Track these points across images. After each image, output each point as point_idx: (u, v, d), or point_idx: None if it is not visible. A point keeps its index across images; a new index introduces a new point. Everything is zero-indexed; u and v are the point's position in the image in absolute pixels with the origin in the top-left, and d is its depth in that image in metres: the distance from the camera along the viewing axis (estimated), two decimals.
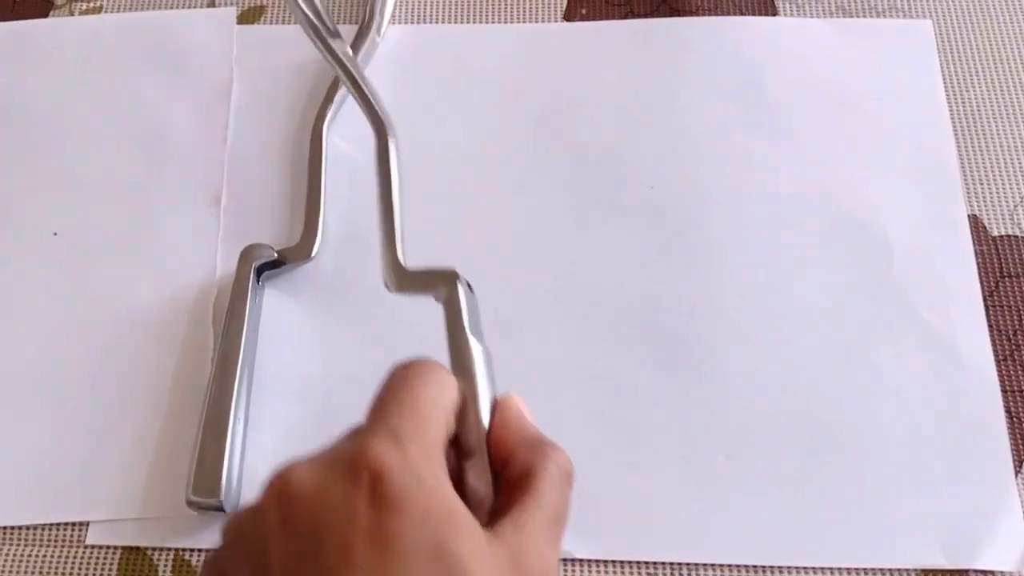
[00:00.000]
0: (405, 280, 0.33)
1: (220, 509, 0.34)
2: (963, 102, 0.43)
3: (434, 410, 0.27)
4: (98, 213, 0.42)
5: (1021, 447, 0.36)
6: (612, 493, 0.36)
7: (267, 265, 0.39)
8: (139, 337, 0.39)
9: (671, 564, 0.35)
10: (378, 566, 0.24)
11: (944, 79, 0.44)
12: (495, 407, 0.29)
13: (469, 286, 0.31)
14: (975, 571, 0.34)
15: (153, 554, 0.36)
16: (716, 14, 0.46)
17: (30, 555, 0.36)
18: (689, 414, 0.37)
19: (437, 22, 0.46)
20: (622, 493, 0.36)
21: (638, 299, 0.39)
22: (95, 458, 0.37)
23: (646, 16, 0.46)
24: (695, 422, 0.37)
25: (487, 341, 0.30)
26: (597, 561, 0.35)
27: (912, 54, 0.44)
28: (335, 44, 0.41)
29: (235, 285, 0.38)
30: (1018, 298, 0.39)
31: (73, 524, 0.36)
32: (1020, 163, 0.42)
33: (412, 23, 0.46)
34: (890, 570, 0.34)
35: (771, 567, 0.35)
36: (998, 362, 0.38)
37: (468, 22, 0.46)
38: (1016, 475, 0.36)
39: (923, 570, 0.34)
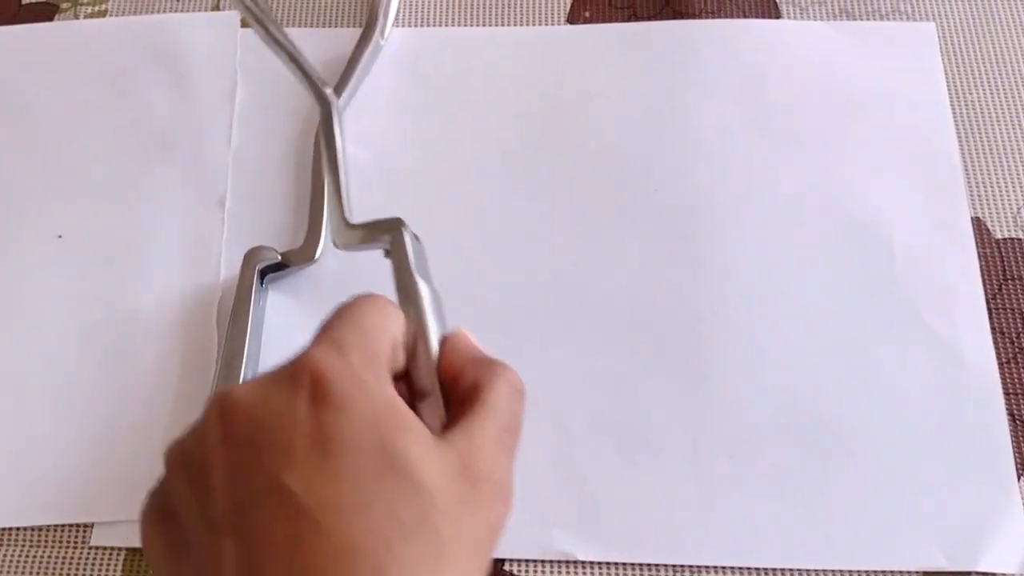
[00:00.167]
0: (352, 234, 0.34)
1: None
2: (966, 105, 0.43)
3: (378, 331, 0.27)
4: (102, 216, 0.42)
5: (1023, 449, 0.36)
6: (614, 495, 0.36)
7: (271, 267, 0.39)
8: (143, 339, 0.39)
9: (673, 566, 0.35)
10: (321, 465, 0.24)
11: (947, 82, 0.44)
12: (444, 341, 0.29)
13: (416, 236, 0.32)
14: (976, 573, 0.34)
15: None
16: (719, 17, 0.46)
17: (34, 556, 0.36)
18: (692, 416, 0.37)
19: (440, 25, 0.46)
20: (624, 495, 0.36)
21: (641, 301, 0.39)
22: (99, 460, 0.37)
23: (649, 19, 0.46)
24: (698, 424, 0.37)
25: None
26: (599, 563, 0.35)
27: (915, 57, 0.44)
28: (269, 25, 0.42)
29: (239, 287, 0.38)
30: (1021, 301, 0.39)
31: (77, 526, 0.36)
32: (1023, 166, 0.42)
33: (416, 26, 0.46)
34: (892, 572, 0.34)
35: (773, 569, 0.35)
36: (1000, 364, 0.38)
37: (471, 24, 0.46)
38: (1018, 477, 0.36)
39: (924, 572, 0.34)
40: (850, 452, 0.36)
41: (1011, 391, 0.37)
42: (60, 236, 0.42)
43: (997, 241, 0.40)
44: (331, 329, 0.27)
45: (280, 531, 0.23)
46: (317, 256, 0.40)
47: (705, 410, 0.37)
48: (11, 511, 0.37)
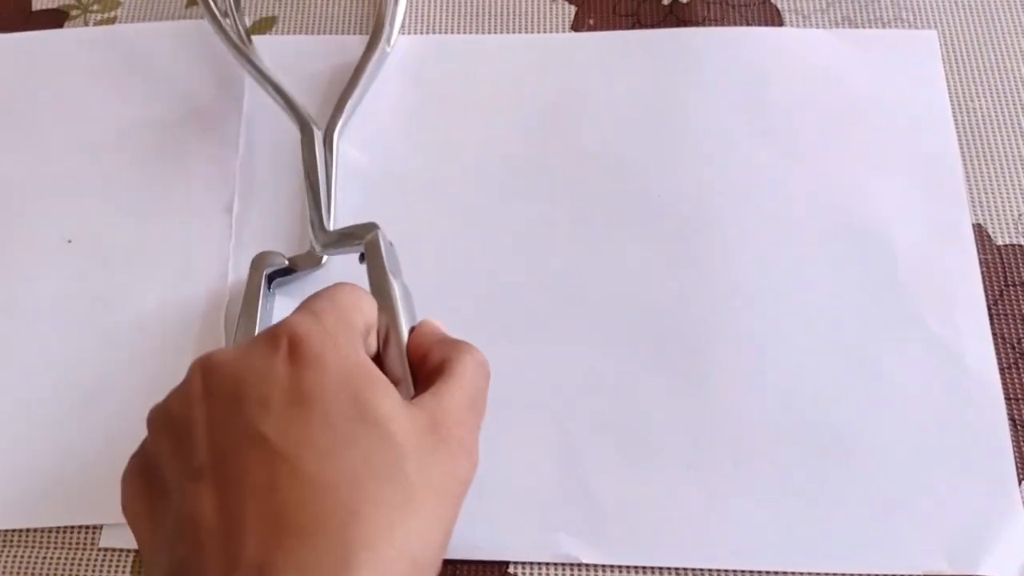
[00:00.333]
0: (330, 238, 0.38)
1: None
2: (968, 112, 0.43)
3: (353, 308, 0.29)
4: (112, 221, 0.42)
5: None
6: (619, 499, 0.36)
7: (278, 272, 0.39)
8: (152, 343, 0.39)
9: (676, 569, 0.35)
10: (297, 415, 0.25)
11: (949, 89, 0.44)
12: (413, 328, 0.32)
13: (389, 241, 0.35)
14: None
15: None
16: (722, 24, 0.46)
17: (43, 558, 0.36)
18: (694, 419, 0.37)
19: (446, 32, 0.47)
20: (628, 499, 0.36)
21: (644, 305, 0.40)
22: (108, 462, 0.37)
23: (653, 26, 0.46)
24: (700, 427, 0.37)
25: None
26: (604, 566, 0.35)
27: (917, 64, 0.45)
28: (249, 52, 0.44)
29: (246, 292, 0.39)
30: (1022, 306, 0.39)
31: (86, 527, 0.37)
32: None
33: (422, 33, 0.47)
34: None
35: (776, 572, 0.35)
36: (1002, 370, 0.38)
37: (477, 32, 0.47)
38: (1019, 482, 0.36)
39: None
40: (852, 456, 0.36)
41: (1012, 396, 0.37)
42: (69, 241, 0.42)
43: (998, 247, 0.41)
44: (309, 302, 0.29)
45: (258, 475, 0.25)
46: (324, 261, 0.40)
47: (707, 413, 0.37)
48: (21, 513, 0.37)
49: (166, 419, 0.27)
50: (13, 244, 0.42)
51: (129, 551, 0.36)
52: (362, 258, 0.35)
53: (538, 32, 0.47)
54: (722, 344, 0.39)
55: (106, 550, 0.36)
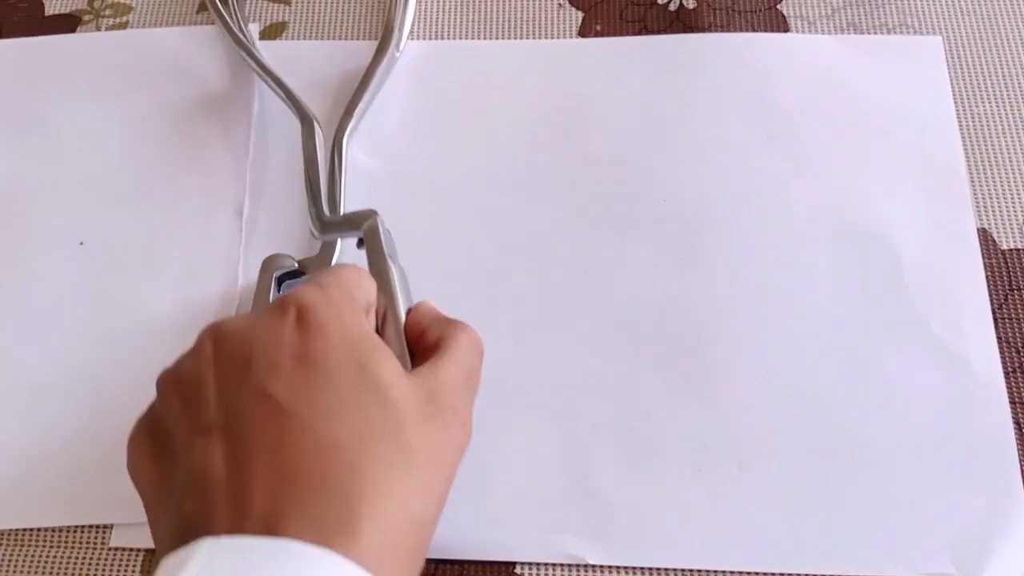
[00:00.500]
0: (329, 225, 0.39)
1: None
2: (973, 117, 0.44)
3: (355, 284, 0.31)
4: (123, 224, 0.43)
5: None
6: (624, 500, 0.36)
7: (288, 275, 0.40)
8: (163, 344, 0.39)
9: (681, 570, 0.35)
10: (304, 377, 0.27)
11: (954, 94, 0.44)
12: (411, 308, 0.33)
13: (387, 229, 0.37)
14: None
15: None
16: (728, 30, 0.46)
17: (54, 557, 0.37)
18: (700, 422, 0.37)
19: (454, 38, 0.47)
20: (634, 500, 0.36)
21: (650, 309, 0.40)
22: (118, 462, 0.37)
23: (659, 32, 0.47)
24: (706, 430, 0.37)
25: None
26: (609, 567, 0.35)
27: (922, 70, 0.45)
28: (253, 50, 0.45)
29: (256, 294, 0.39)
30: None
31: (96, 527, 0.37)
32: None
33: (431, 38, 0.47)
34: None
35: (780, 574, 0.35)
36: (1007, 374, 0.38)
37: (485, 38, 0.47)
38: None
39: None
40: (857, 459, 0.37)
41: (1017, 400, 0.38)
42: (81, 243, 0.42)
43: (1003, 252, 0.41)
44: (314, 277, 0.31)
45: (267, 432, 0.26)
46: (333, 263, 0.40)
47: (713, 416, 0.38)
48: (32, 512, 0.37)
49: (177, 380, 0.28)
50: (25, 246, 0.42)
51: (139, 550, 0.37)
52: (360, 243, 0.37)
53: (545, 38, 0.47)
54: (727, 346, 0.39)
55: (116, 549, 0.37)
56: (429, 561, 0.36)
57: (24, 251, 0.42)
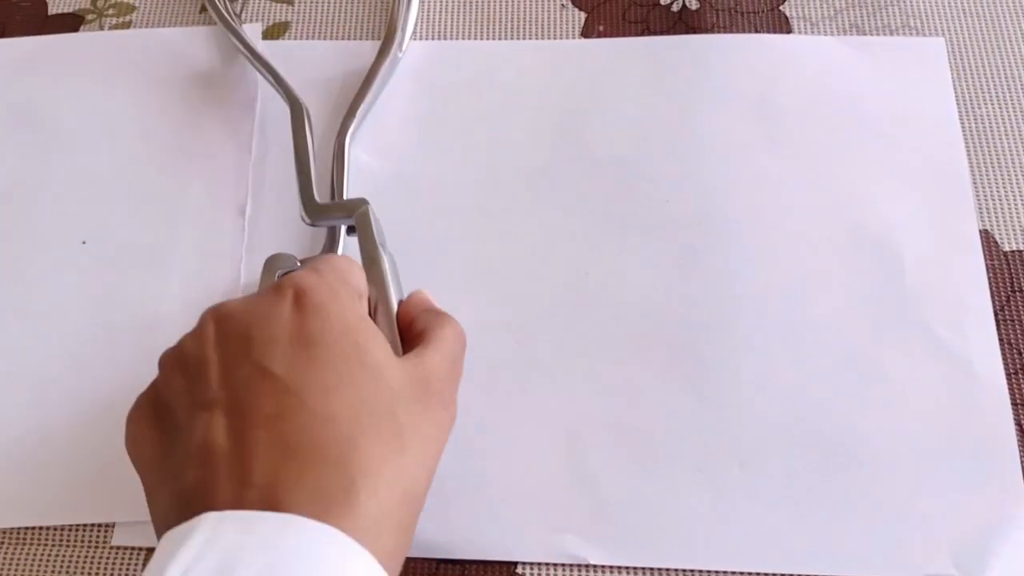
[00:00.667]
0: (320, 211, 0.39)
1: None
2: (975, 119, 0.44)
3: (348, 271, 0.33)
4: (126, 222, 0.43)
5: None
6: (626, 500, 0.36)
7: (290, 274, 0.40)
8: (165, 343, 0.39)
9: (683, 571, 0.35)
10: (302, 355, 0.28)
11: (956, 96, 0.44)
12: (407, 297, 0.35)
13: (377, 217, 0.38)
14: None
15: None
16: (731, 31, 0.46)
17: (56, 555, 0.37)
18: (702, 424, 0.37)
19: (457, 38, 0.47)
20: (637, 500, 0.36)
21: (652, 310, 0.40)
22: (121, 460, 0.37)
23: (662, 33, 0.47)
24: (708, 432, 0.37)
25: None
26: (611, 567, 0.35)
27: (925, 71, 0.45)
28: (246, 38, 0.45)
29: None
30: None
31: (98, 525, 0.37)
32: None
33: (433, 39, 0.47)
34: None
35: (782, 575, 0.35)
36: (1009, 375, 0.38)
37: (487, 38, 0.47)
38: None
39: None
40: (859, 461, 0.37)
41: (1019, 401, 0.38)
42: (84, 242, 0.42)
43: (1005, 253, 0.41)
44: (309, 263, 0.33)
45: (267, 406, 0.27)
46: None
47: (716, 418, 0.38)
48: (34, 511, 0.37)
49: (180, 358, 0.30)
50: (28, 244, 0.42)
51: (141, 549, 0.37)
52: (351, 230, 0.38)
53: (548, 38, 0.47)
54: (729, 348, 0.39)
55: (118, 548, 0.37)
56: (431, 560, 0.36)
57: (27, 249, 0.42)
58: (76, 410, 0.39)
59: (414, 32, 0.47)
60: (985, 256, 0.40)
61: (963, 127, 0.43)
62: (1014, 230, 0.41)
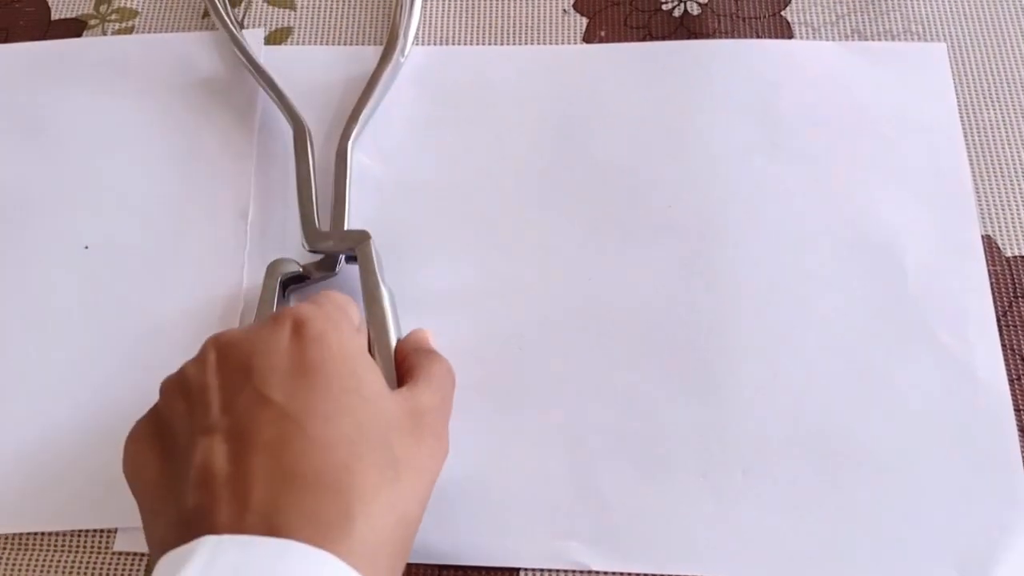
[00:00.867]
0: (321, 239, 0.40)
1: None
2: (977, 124, 0.44)
3: (346, 304, 0.34)
4: (128, 227, 0.43)
5: None
6: (629, 507, 0.36)
7: (292, 279, 0.40)
8: (167, 348, 0.40)
9: None
10: (301, 385, 0.29)
11: (958, 101, 0.44)
12: (407, 335, 0.36)
13: (377, 251, 0.39)
14: None
15: None
16: (733, 37, 0.46)
17: (58, 561, 0.37)
18: (705, 430, 0.37)
19: (459, 43, 0.47)
20: (639, 506, 0.36)
21: (655, 316, 0.40)
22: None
23: (664, 39, 0.47)
24: (711, 438, 0.37)
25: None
26: (614, 574, 0.35)
27: (927, 77, 0.45)
28: (248, 47, 0.46)
29: (261, 298, 0.39)
30: None
31: (101, 531, 0.37)
32: None
33: (435, 44, 0.47)
34: None
35: None
36: (1011, 381, 0.38)
37: (489, 43, 0.47)
38: None
39: None
40: (861, 466, 0.37)
41: (1022, 407, 0.38)
42: (86, 247, 0.42)
43: (1008, 259, 0.41)
44: (309, 297, 0.34)
45: (267, 432, 0.28)
46: (338, 269, 0.40)
47: (719, 424, 0.38)
48: (36, 516, 0.37)
49: (182, 384, 0.30)
50: (30, 250, 0.42)
51: (142, 555, 0.37)
52: (350, 259, 0.39)
53: (550, 44, 0.47)
54: (732, 354, 0.39)
55: (120, 554, 0.37)
56: (434, 566, 0.36)
57: (29, 254, 0.42)
58: (78, 416, 0.39)
59: (416, 37, 0.47)
60: (987, 261, 0.40)
61: (965, 132, 0.43)
62: (1017, 235, 0.41)
